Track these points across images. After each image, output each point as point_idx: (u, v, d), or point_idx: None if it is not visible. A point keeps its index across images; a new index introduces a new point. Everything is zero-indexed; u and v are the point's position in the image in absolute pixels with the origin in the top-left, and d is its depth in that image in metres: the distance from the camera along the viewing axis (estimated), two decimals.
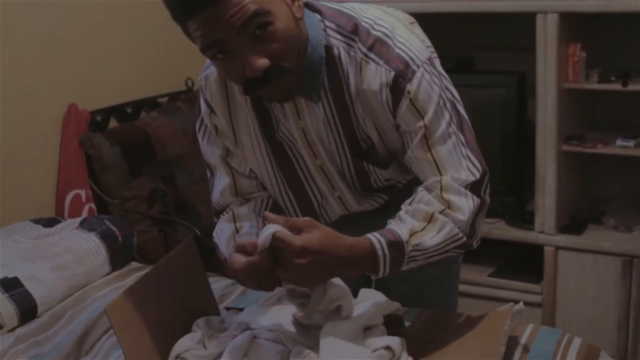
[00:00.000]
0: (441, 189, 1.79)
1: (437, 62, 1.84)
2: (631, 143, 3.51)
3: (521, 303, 1.82)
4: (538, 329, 1.94)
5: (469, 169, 1.82)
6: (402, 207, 1.83)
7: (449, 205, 1.78)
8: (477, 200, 1.82)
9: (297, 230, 1.65)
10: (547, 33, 3.47)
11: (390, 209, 1.93)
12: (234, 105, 1.92)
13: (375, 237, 1.72)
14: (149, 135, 3.72)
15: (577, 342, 1.90)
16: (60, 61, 3.51)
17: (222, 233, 1.98)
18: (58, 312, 2.29)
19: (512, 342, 1.85)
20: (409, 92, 1.75)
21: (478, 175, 1.83)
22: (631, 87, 3.45)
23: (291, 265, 1.63)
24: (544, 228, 3.71)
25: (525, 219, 3.84)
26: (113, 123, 3.80)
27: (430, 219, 1.77)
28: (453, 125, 1.81)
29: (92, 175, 3.53)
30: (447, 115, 1.80)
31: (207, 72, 1.92)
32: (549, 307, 3.74)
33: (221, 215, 2.02)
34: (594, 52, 3.65)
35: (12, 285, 2.28)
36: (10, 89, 3.28)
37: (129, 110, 3.88)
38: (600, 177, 4.02)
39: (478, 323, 1.91)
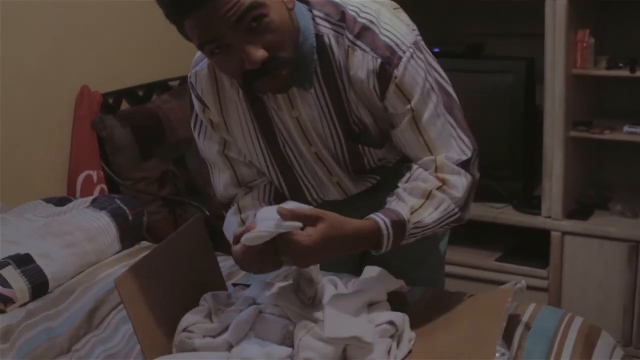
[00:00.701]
0: (436, 168, 1.84)
1: (422, 45, 1.87)
2: (638, 129, 3.52)
3: (523, 281, 1.84)
4: (540, 308, 1.96)
5: (460, 148, 1.87)
6: (400, 185, 1.87)
7: (444, 182, 1.84)
8: (469, 177, 1.88)
9: (303, 219, 1.68)
10: (555, 19, 3.48)
11: (381, 188, 2.00)
12: (224, 99, 1.95)
13: (380, 218, 1.76)
14: (160, 118, 3.75)
15: (578, 321, 1.92)
16: (73, 44, 3.55)
17: (230, 226, 2.02)
18: (69, 288, 2.32)
19: (514, 320, 1.87)
20: (395, 77, 1.79)
21: (469, 154, 1.88)
22: (639, 73, 3.46)
23: (296, 257, 1.70)
24: (551, 213, 3.72)
25: (532, 204, 3.86)
26: (125, 105, 3.83)
27: (428, 195, 1.82)
28: (441, 106, 1.86)
29: (104, 157, 3.58)
30: (434, 97, 1.84)
31: (196, 69, 1.96)
32: (555, 292, 3.76)
33: (228, 209, 2.06)
34: (603, 39, 3.66)
35: (24, 262, 2.31)
36: (24, 71, 3.32)
37: (141, 93, 3.91)
38: (607, 163, 4.04)
39: (480, 301, 1.94)
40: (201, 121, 2.03)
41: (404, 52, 1.79)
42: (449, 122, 1.86)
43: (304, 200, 2.03)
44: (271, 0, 1.68)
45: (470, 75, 3.83)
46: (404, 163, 1.94)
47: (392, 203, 1.83)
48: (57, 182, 3.51)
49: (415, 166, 1.87)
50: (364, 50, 1.80)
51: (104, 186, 3.53)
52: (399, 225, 1.78)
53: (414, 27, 1.92)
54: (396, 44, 1.79)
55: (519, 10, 3.82)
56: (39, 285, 2.28)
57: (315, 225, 1.67)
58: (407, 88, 1.80)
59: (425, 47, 1.90)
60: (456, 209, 1.85)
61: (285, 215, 1.65)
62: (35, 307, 2.20)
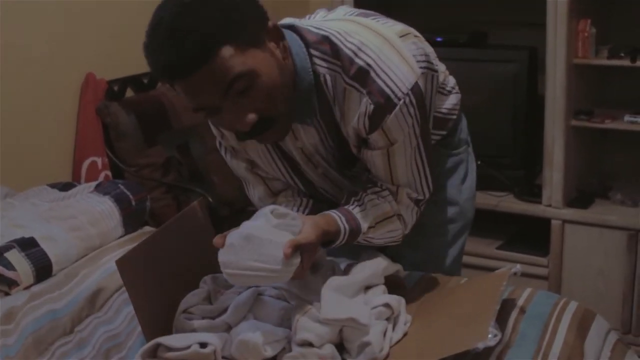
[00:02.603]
0: (397, 201, 1.94)
1: (421, 80, 1.85)
2: (639, 119, 3.54)
3: (518, 266, 1.86)
4: (535, 293, 1.98)
5: (422, 188, 1.96)
6: (368, 193, 1.94)
7: (400, 215, 1.95)
8: (418, 212, 1.99)
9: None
10: (557, 8, 3.50)
11: None
12: None
13: (342, 225, 1.87)
14: (164, 105, 3.77)
15: (573, 305, 1.94)
16: (79, 31, 3.56)
17: None
18: (72, 271, 2.34)
19: (509, 304, 1.90)
20: (385, 123, 1.80)
21: (427, 195, 1.98)
22: None
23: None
24: (552, 202, 3.74)
25: (533, 193, 3.88)
26: (129, 93, 3.85)
27: (385, 218, 1.94)
28: (417, 152, 1.90)
29: (109, 143, 3.59)
30: (413, 142, 1.87)
31: None
32: (555, 280, 3.78)
33: None
34: (604, 28, 3.68)
35: (28, 245, 2.33)
36: (30, 58, 3.33)
37: (146, 81, 3.92)
38: (608, 152, 4.05)
39: (475, 285, 1.97)
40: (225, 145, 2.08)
41: (399, 100, 1.78)
42: (419, 165, 1.92)
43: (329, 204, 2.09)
44: (261, 61, 1.69)
45: (473, 64, 3.85)
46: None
47: (357, 211, 1.92)
48: (62, 168, 3.53)
49: (385, 186, 1.94)
50: (360, 92, 1.79)
51: (109, 172, 3.55)
52: (355, 234, 1.90)
53: (422, 52, 1.94)
54: (392, 91, 1.77)
55: (522, 0, 3.83)
56: (42, 268, 2.30)
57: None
58: (393, 134, 1.82)
59: (425, 81, 1.92)
60: (400, 238, 2.01)
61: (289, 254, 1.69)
62: (39, 290, 2.22)
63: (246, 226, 1.74)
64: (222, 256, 1.72)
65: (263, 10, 1.74)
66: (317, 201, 2.10)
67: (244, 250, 1.69)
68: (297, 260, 1.71)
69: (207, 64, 1.62)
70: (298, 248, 1.71)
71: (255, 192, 2.13)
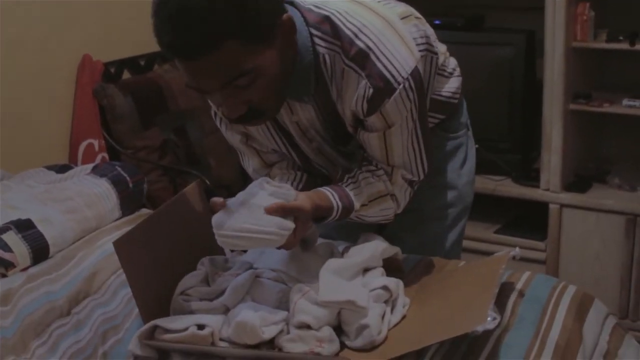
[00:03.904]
0: (391, 181, 1.94)
1: (421, 63, 1.85)
2: (637, 103, 3.54)
3: (517, 249, 1.86)
4: (534, 276, 1.98)
5: (417, 170, 1.96)
6: (363, 171, 1.95)
7: (393, 194, 1.95)
8: (411, 193, 1.99)
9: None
10: None
11: None
12: None
13: (335, 202, 1.88)
14: (161, 87, 3.76)
15: (571, 289, 1.94)
16: (75, 13, 3.55)
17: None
18: (69, 253, 2.34)
19: (507, 287, 1.90)
20: (383, 106, 1.79)
21: (421, 177, 1.98)
22: (639, 46, 3.47)
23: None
24: (549, 186, 3.74)
25: (531, 177, 3.87)
26: (126, 75, 3.85)
27: (379, 196, 1.95)
28: (414, 135, 1.89)
29: (105, 125, 3.59)
30: (410, 125, 1.87)
31: None
32: (553, 264, 3.78)
33: None
34: (603, 12, 3.66)
35: (25, 227, 2.33)
36: (26, 40, 3.32)
37: (142, 63, 3.92)
38: (606, 136, 4.05)
39: (474, 268, 1.97)
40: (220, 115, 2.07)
41: (398, 85, 1.77)
42: (415, 147, 1.91)
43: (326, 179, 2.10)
44: (265, 59, 1.68)
45: (471, 47, 3.84)
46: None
47: (350, 187, 1.93)
48: (59, 150, 3.52)
49: (380, 165, 1.94)
50: (358, 74, 1.78)
51: (106, 155, 3.55)
52: (347, 210, 1.91)
53: (423, 34, 1.94)
54: (392, 75, 1.76)
55: None
56: (39, 250, 2.30)
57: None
58: (391, 117, 1.82)
59: (431, 49, 1.94)
60: (392, 216, 2.02)
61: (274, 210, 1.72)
62: (36, 272, 2.22)
63: (241, 193, 1.77)
64: (216, 218, 1.75)
65: (279, 1, 1.73)
66: (312, 176, 2.11)
67: (238, 214, 1.72)
68: (290, 226, 1.73)
69: (210, 54, 1.60)
70: (291, 212, 1.74)
71: (250, 163, 2.14)
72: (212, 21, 1.57)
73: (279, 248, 1.78)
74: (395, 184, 1.94)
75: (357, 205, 1.91)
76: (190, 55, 1.62)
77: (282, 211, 1.72)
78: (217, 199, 1.77)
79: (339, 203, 1.88)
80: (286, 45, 1.73)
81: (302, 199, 1.78)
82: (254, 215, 1.71)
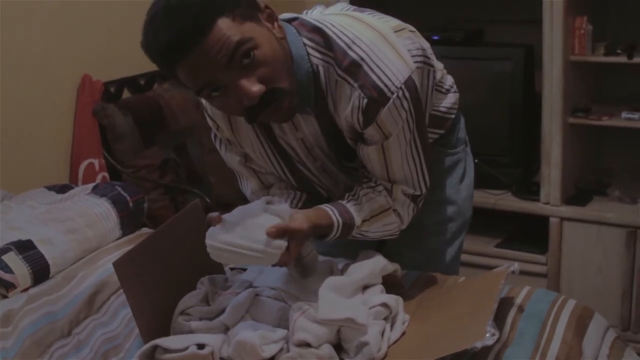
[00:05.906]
0: (391, 197, 1.94)
1: (416, 74, 1.84)
2: (636, 115, 3.53)
3: (516, 264, 1.87)
4: (534, 291, 1.99)
5: (418, 185, 1.96)
6: (363, 187, 1.95)
7: (396, 211, 1.96)
8: (415, 209, 1.99)
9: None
10: (553, 5, 3.49)
11: None
12: (235, 121, 1.98)
13: (335, 218, 1.88)
14: (161, 106, 3.76)
15: (571, 303, 1.94)
16: (75, 33, 3.56)
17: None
18: (70, 273, 2.34)
19: (507, 302, 1.90)
20: (379, 116, 1.79)
21: (424, 191, 1.97)
22: (637, 59, 3.47)
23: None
24: (550, 199, 3.74)
25: (531, 191, 3.86)
26: (126, 94, 3.85)
27: (382, 211, 1.94)
28: (413, 147, 1.89)
29: (106, 145, 3.59)
30: (408, 136, 1.86)
31: None
32: (554, 278, 3.77)
33: None
34: (601, 25, 3.67)
35: (25, 247, 2.33)
36: (27, 59, 3.33)
37: (142, 82, 3.93)
38: (605, 149, 4.04)
39: (473, 284, 1.97)
40: (220, 137, 2.08)
41: (392, 94, 1.77)
42: (415, 160, 1.91)
43: (323, 201, 2.07)
44: (259, 33, 1.69)
45: (470, 62, 3.85)
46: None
47: (351, 204, 1.93)
48: (59, 170, 3.53)
49: (379, 182, 1.94)
50: (351, 86, 1.78)
51: (106, 174, 3.55)
52: (348, 227, 1.91)
53: (418, 47, 1.93)
54: (385, 85, 1.76)
55: None
56: (40, 271, 2.30)
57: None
58: (387, 127, 1.82)
59: (421, 76, 1.91)
60: (397, 232, 2.02)
61: (272, 234, 1.72)
62: (37, 292, 2.22)
63: (239, 208, 1.79)
64: (211, 230, 1.76)
65: None
66: (310, 196, 2.11)
67: (232, 228, 1.73)
68: (282, 245, 1.73)
69: (206, 37, 1.62)
70: (285, 233, 1.73)
71: (248, 185, 2.14)
72: (198, 7, 1.62)
73: (274, 265, 1.78)
74: (396, 200, 1.94)
75: (358, 220, 1.91)
76: (189, 46, 1.63)
77: (276, 233, 1.72)
78: (214, 214, 1.77)
79: (339, 219, 1.88)
80: (274, 30, 1.75)
81: (300, 219, 1.78)
82: (246, 231, 1.72)
